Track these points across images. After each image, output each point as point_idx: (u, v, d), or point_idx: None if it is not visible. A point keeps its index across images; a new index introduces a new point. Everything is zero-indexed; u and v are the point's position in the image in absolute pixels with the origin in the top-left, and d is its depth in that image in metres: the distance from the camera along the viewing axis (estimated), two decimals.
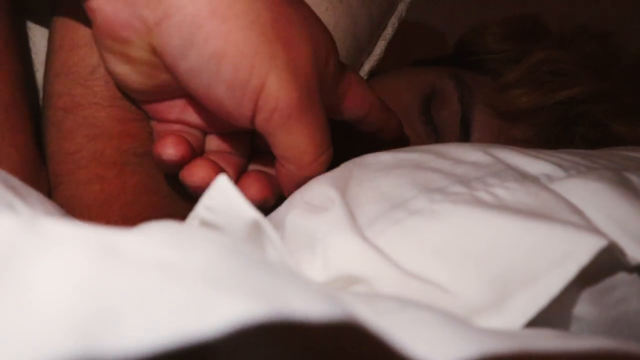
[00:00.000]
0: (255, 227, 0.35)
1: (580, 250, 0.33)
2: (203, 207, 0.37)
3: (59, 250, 0.20)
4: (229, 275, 0.21)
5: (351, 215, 0.38)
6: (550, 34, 0.70)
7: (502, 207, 0.37)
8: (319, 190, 0.42)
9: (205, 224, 0.37)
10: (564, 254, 0.33)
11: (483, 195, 0.38)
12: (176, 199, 0.52)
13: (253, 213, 0.35)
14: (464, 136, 0.63)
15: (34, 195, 0.41)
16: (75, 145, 0.50)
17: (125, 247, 0.21)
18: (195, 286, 0.19)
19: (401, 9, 0.70)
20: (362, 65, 0.68)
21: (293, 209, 0.40)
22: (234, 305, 0.18)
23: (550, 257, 0.33)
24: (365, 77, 0.68)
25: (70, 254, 0.20)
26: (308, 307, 0.19)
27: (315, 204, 0.41)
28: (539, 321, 0.33)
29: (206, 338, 0.17)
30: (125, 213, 0.50)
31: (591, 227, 0.35)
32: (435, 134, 0.65)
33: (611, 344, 0.24)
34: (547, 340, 0.24)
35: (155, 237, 0.24)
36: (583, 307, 0.35)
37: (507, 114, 0.62)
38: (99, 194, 0.50)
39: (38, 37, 0.55)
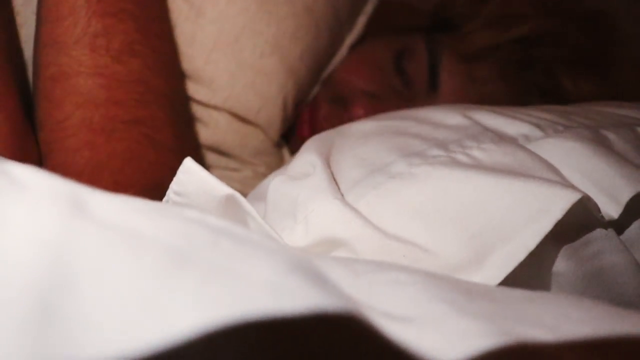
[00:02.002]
0: (231, 203, 0.36)
1: (555, 205, 0.34)
2: (173, 193, 0.37)
3: (29, 199, 0.19)
4: (195, 250, 0.20)
5: (332, 180, 0.39)
6: None
7: (479, 168, 0.37)
8: (302, 157, 0.43)
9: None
10: (539, 209, 0.34)
11: (460, 157, 0.39)
12: (162, 166, 0.53)
13: (226, 189, 0.35)
14: (432, 81, 0.66)
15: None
16: (64, 114, 0.51)
17: (96, 208, 0.21)
18: (160, 264, 0.18)
19: None
20: (344, 40, 0.69)
21: (276, 177, 0.41)
22: (198, 290, 0.17)
23: (526, 212, 0.34)
24: (346, 51, 0.70)
25: (39, 204, 0.19)
26: (277, 291, 0.18)
27: (298, 171, 0.41)
28: (516, 278, 0.34)
29: (165, 346, 0.16)
30: (116, 179, 0.51)
31: (566, 183, 0.36)
32: (407, 83, 0.67)
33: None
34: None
35: (126, 201, 0.23)
36: (560, 263, 0.35)
37: (468, 56, 0.66)
38: (89, 160, 0.51)
39: (29, 12, 0.55)
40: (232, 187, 0.62)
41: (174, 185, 0.37)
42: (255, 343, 0.19)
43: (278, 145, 0.66)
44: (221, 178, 0.62)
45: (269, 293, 0.18)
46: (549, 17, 0.66)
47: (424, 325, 0.20)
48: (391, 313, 0.21)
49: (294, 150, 0.66)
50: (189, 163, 0.37)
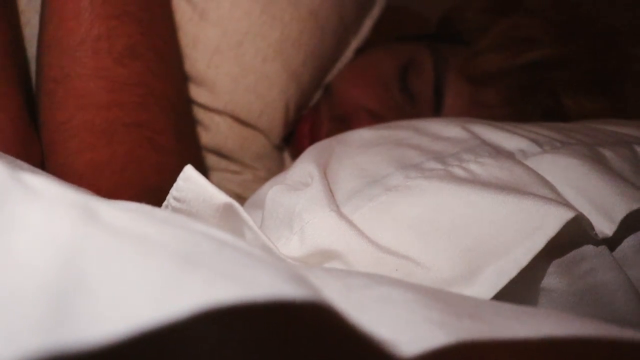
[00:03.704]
0: (229, 211, 0.36)
1: (548, 222, 0.34)
2: (172, 198, 0.38)
3: (42, 206, 0.20)
4: (201, 256, 0.21)
5: (329, 191, 0.39)
6: (524, 6, 0.71)
7: (475, 182, 0.37)
8: (301, 166, 0.43)
9: (177, 212, 0.38)
10: (533, 226, 0.34)
11: (457, 170, 0.39)
12: (163, 169, 0.53)
13: (224, 198, 0.36)
14: (437, 102, 0.65)
15: (25, 165, 0.43)
16: (66, 115, 0.51)
17: (106, 214, 0.22)
18: (168, 265, 0.19)
19: None
20: (349, 44, 0.69)
21: (274, 187, 0.41)
22: (205, 287, 0.18)
23: (520, 229, 0.34)
24: (351, 56, 0.70)
25: (53, 211, 0.20)
26: (274, 288, 0.19)
27: (296, 180, 0.41)
28: (509, 294, 0.34)
29: (177, 322, 0.17)
30: (116, 181, 0.52)
31: (560, 200, 0.36)
32: (411, 101, 0.66)
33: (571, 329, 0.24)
34: (515, 323, 0.25)
35: (134, 210, 0.24)
36: (553, 280, 0.36)
37: (476, 79, 0.64)
38: (89, 162, 0.51)
39: (32, 11, 0.56)
40: (232, 190, 0.63)
41: (173, 191, 0.38)
42: (246, 331, 0.20)
43: (279, 149, 0.66)
44: (221, 181, 0.63)
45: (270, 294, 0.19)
46: (560, 41, 0.64)
47: (410, 349, 0.20)
48: (379, 336, 0.21)
49: (294, 156, 0.66)
50: (189, 170, 0.37)
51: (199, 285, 0.19)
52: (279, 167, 0.66)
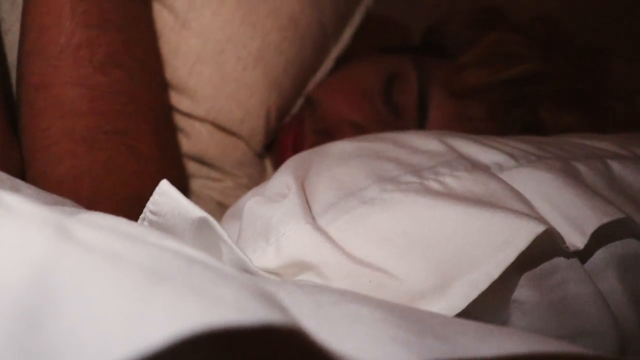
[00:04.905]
0: (204, 225, 0.37)
1: (520, 236, 0.34)
2: (149, 212, 0.38)
3: (17, 223, 0.21)
4: (171, 272, 0.21)
5: (306, 203, 0.39)
6: (508, 22, 0.72)
7: (450, 196, 0.38)
8: (279, 178, 0.43)
9: (154, 226, 0.39)
10: (504, 240, 0.35)
11: (433, 184, 0.40)
12: (144, 177, 0.54)
13: (199, 212, 0.36)
14: (421, 115, 0.66)
15: (4, 176, 0.43)
16: (46, 123, 0.51)
17: (79, 232, 0.22)
18: (138, 281, 0.20)
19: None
20: (330, 52, 0.70)
21: (252, 198, 0.41)
22: (173, 299, 0.19)
23: (492, 242, 0.35)
24: (332, 64, 0.70)
25: (27, 229, 0.20)
26: (240, 304, 0.20)
27: (274, 192, 0.42)
28: (481, 306, 0.34)
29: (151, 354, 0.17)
30: (96, 189, 0.52)
31: (532, 214, 0.37)
32: (395, 114, 0.66)
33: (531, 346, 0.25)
34: (476, 342, 0.25)
35: (108, 227, 0.24)
36: (524, 292, 0.36)
37: (460, 93, 0.65)
38: (70, 169, 0.52)
39: (13, 19, 0.56)
40: (213, 197, 0.64)
41: (150, 205, 0.38)
42: (217, 352, 0.20)
43: (260, 157, 0.66)
44: (202, 188, 0.64)
45: (234, 311, 0.19)
46: (542, 57, 0.65)
47: None
48: (345, 355, 0.21)
49: (276, 166, 0.66)
50: (164, 185, 0.37)
51: (167, 298, 0.19)
52: (261, 175, 0.66)
